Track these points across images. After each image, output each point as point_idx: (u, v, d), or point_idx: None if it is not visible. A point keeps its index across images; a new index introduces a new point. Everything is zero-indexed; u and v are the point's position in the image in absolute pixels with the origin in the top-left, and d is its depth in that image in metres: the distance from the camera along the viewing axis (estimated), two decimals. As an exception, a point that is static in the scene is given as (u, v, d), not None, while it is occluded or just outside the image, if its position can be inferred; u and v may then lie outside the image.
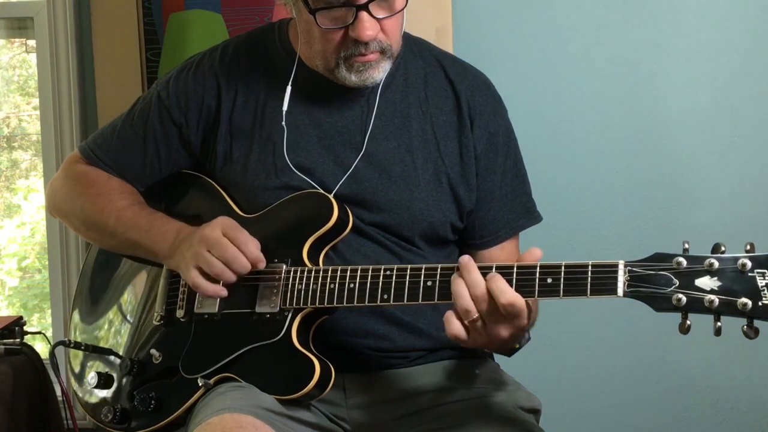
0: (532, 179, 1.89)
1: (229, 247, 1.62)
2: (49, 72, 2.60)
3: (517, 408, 1.68)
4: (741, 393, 2.52)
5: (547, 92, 2.50)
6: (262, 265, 1.63)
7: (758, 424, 2.52)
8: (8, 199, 3.33)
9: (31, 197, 3.32)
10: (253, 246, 1.63)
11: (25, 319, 2.30)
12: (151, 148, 1.82)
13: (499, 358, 1.87)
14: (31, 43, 2.91)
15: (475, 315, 1.43)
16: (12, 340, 2.16)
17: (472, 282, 1.43)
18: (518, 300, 1.42)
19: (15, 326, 2.20)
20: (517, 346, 1.52)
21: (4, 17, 2.76)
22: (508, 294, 1.41)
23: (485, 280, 1.43)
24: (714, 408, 2.53)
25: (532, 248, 1.48)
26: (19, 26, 2.81)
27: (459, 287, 1.44)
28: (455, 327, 1.46)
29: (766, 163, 2.46)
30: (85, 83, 2.61)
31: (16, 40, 3.10)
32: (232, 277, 1.63)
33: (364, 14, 1.61)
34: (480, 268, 1.46)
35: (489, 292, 1.42)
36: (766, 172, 2.45)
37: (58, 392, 2.10)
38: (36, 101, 2.88)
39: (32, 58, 3.05)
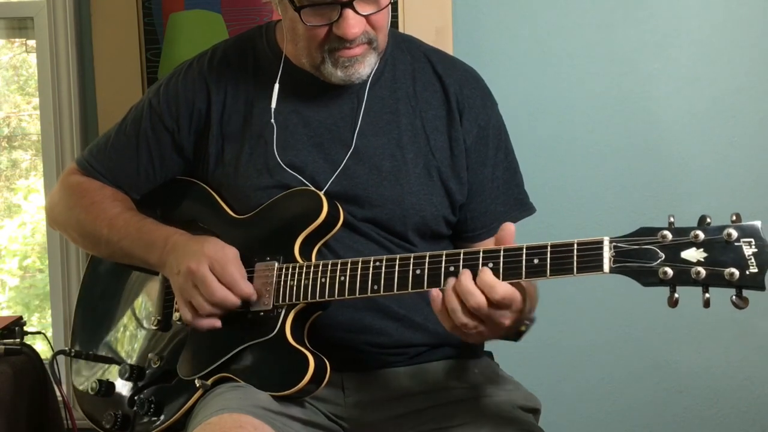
0: (532, 178, 1.89)
1: (217, 288, 1.61)
2: (49, 72, 2.60)
3: (516, 408, 1.69)
4: (741, 393, 2.52)
5: (546, 92, 2.50)
6: (253, 298, 1.63)
7: (758, 424, 2.52)
8: (8, 199, 3.33)
9: (31, 197, 3.32)
10: (243, 283, 1.62)
11: (26, 317, 2.30)
12: (145, 155, 1.83)
13: (499, 357, 1.88)
14: (31, 43, 2.91)
15: (474, 325, 1.44)
16: (12, 340, 2.15)
17: (464, 290, 1.43)
18: (509, 291, 1.42)
19: (15, 326, 2.20)
20: (523, 329, 1.51)
21: (4, 17, 2.76)
22: (498, 289, 1.41)
23: (475, 282, 1.43)
24: (714, 408, 2.53)
25: (504, 224, 1.48)
26: (19, 26, 2.81)
27: (452, 303, 1.44)
28: (456, 331, 1.46)
29: (766, 163, 2.46)
30: (85, 83, 2.60)
31: (16, 40, 3.10)
32: (221, 315, 1.63)
33: (348, 12, 1.61)
34: (467, 253, 1.47)
35: (481, 291, 1.42)
36: (765, 173, 2.46)
37: (59, 393, 2.10)
38: (36, 101, 2.88)
39: (32, 58, 3.05)
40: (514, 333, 1.52)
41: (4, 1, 2.72)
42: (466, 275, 1.44)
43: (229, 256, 1.63)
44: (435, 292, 1.47)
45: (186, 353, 1.70)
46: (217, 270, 1.62)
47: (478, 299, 1.42)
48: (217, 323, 1.64)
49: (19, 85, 3.24)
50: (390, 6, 1.68)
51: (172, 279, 1.67)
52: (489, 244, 1.76)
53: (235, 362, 1.64)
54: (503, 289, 1.42)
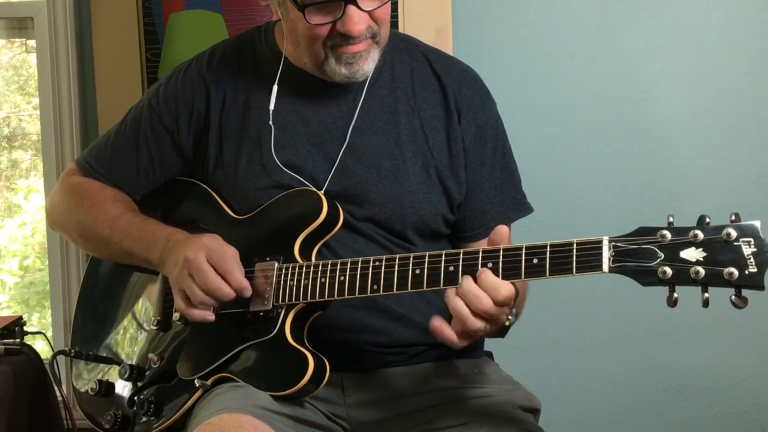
0: (531, 178, 1.89)
1: (212, 276, 1.61)
2: (49, 72, 2.60)
3: (516, 408, 1.68)
4: (741, 393, 2.52)
5: (546, 92, 2.50)
6: (247, 293, 1.62)
7: (758, 424, 2.52)
8: (8, 199, 3.34)
9: (32, 197, 3.33)
10: (238, 274, 1.62)
11: (26, 316, 2.30)
12: (145, 155, 1.83)
13: (499, 357, 1.88)
14: (31, 43, 2.92)
15: (484, 327, 1.44)
16: (12, 340, 2.16)
17: (470, 297, 1.42)
18: (511, 289, 1.42)
19: (15, 326, 2.20)
20: (507, 323, 1.50)
21: (4, 17, 2.76)
22: (501, 289, 1.41)
23: (477, 283, 1.42)
24: (714, 408, 2.53)
25: (497, 227, 1.48)
26: (19, 26, 2.81)
27: (462, 310, 1.43)
28: (454, 339, 1.46)
29: (766, 163, 2.46)
30: (85, 83, 2.61)
31: (16, 40, 3.10)
32: (214, 305, 1.63)
33: (352, 8, 1.61)
34: (466, 252, 1.46)
35: (485, 292, 1.42)
36: (765, 172, 2.46)
37: (59, 393, 2.10)
38: (36, 101, 2.88)
39: (32, 58, 3.05)
40: (500, 329, 1.53)
41: (4, 1, 2.72)
42: (467, 281, 1.44)
43: (228, 251, 1.63)
44: (437, 323, 1.47)
45: (186, 353, 1.70)
46: (214, 260, 1.62)
47: (485, 302, 1.42)
48: (210, 316, 1.64)
49: (19, 85, 3.24)
50: (390, 1, 1.68)
51: (171, 272, 1.67)
52: (486, 243, 1.77)
53: (235, 362, 1.64)
54: (506, 288, 1.42)
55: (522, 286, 1.57)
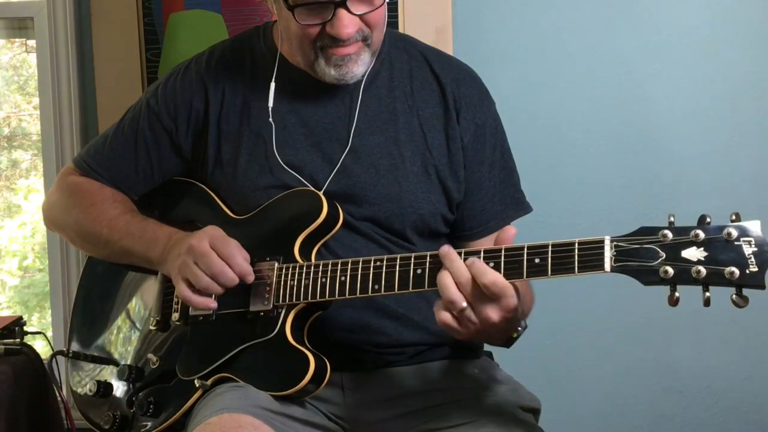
0: (531, 178, 1.89)
1: (216, 260, 1.61)
2: (49, 72, 2.60)
3: (516, 407, 1.69)
4: (741, 393, 2.52)
5: (546, 92, 2.50)
6: (250, 278, 1.63)
7: (758, 424, 2.52)
8: (8, 199, 3.34)
9: (32, 197, 3.33)
10: (241, 259, 1.63)
11: (26, 317, 2.30)
12: (143, 155, 1.83)
13: (499, 357, 1.88)
14: (31, 43, 2.92)
15: (463, 304, 1.43)
16: (12, 340, 2.16)
17: (456, 270, 1.43)
18: (498, 278, 1.41)
19: (15, 326, 2.20)
20: (515, 335, 1.51)
21: (4, 17, 2.76)
22: (488, 274, 1.41)
23: (467, 266, 1.43)
24: (714, 408, 2.53)
25: (506, 227, 1.49)
26: (19, 26, 2.81)
27: (444, 279, 1.44)
28: (445, 317, 1.45)
29: (766, 162, 2.46)
30: (85, 83, 2.61)
31: (16, 40, 3.10)
32: (218, 290, 1.63)
33: (342, 11, 1.61)
34: (467, 252, 1.46)
35: (472, 277, 1.42)
36: (765, 172, 2.46)
37: (58, 393, 2.10)
38: (36, 101, 2.88)
39: (32, 58, 3.05)
40: (506, 339, 1.52)
41: (4, 1, 2.73)
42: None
43: (230, 239, 1.64)
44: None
45: (185, 353, 1.70)
46: (218, 246, 1.62)
47: (467, 276, 1.42)
48: (213, 303, 1.64)
49: (19, 85, 3.24)
50: (386, 4, 1.68)
51: (173, 264, 1.67)
52: (486, 242, 1.77)
53: (235, 362, 1.64)
54: (493, 274, 1.41)
55: (527, 296, 1.56)
